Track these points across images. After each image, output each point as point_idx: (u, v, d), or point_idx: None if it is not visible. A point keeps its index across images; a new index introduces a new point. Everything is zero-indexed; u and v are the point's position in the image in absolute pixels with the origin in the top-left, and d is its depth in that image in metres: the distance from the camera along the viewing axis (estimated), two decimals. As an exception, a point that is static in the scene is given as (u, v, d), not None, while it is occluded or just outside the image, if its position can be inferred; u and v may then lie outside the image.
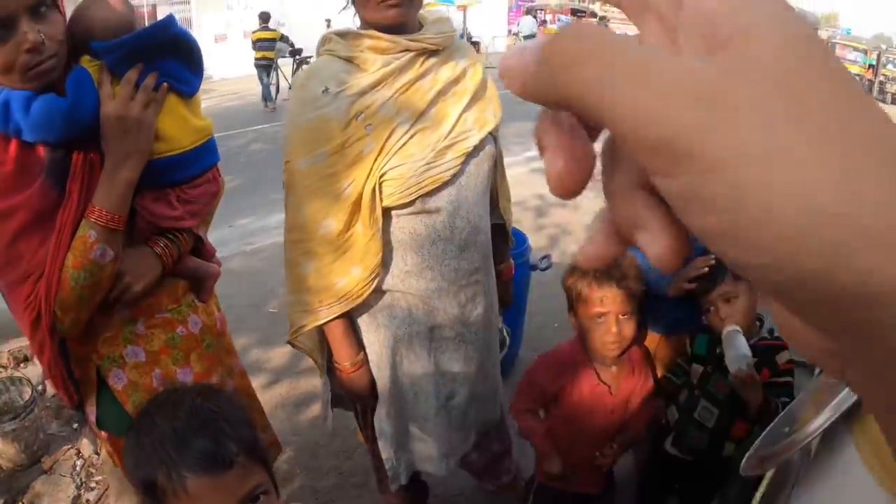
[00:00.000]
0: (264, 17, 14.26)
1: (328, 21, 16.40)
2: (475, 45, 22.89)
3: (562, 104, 0.27)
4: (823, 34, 17.10)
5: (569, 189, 0.30)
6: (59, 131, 1.52)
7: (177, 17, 1.75)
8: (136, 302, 1.74)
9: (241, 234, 6.17)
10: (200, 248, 1.96)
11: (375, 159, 1.76)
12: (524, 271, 3.54)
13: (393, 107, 1.77)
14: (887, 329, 0.22)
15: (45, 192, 1.54)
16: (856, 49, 21.54)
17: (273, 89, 14.40)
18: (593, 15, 30.12)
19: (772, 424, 1.17)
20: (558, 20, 27.90)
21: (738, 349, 2.00)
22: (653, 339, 2.59)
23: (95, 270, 1.57)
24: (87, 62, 1.58)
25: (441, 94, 1.83)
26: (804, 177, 0.22)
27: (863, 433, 0.88)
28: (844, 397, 0.91)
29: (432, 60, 1.83)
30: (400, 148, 1.77)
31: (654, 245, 0.28)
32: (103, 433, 1.85)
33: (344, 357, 1.96)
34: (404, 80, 1.78)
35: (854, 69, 20.29)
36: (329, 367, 2.09)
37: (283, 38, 14.51)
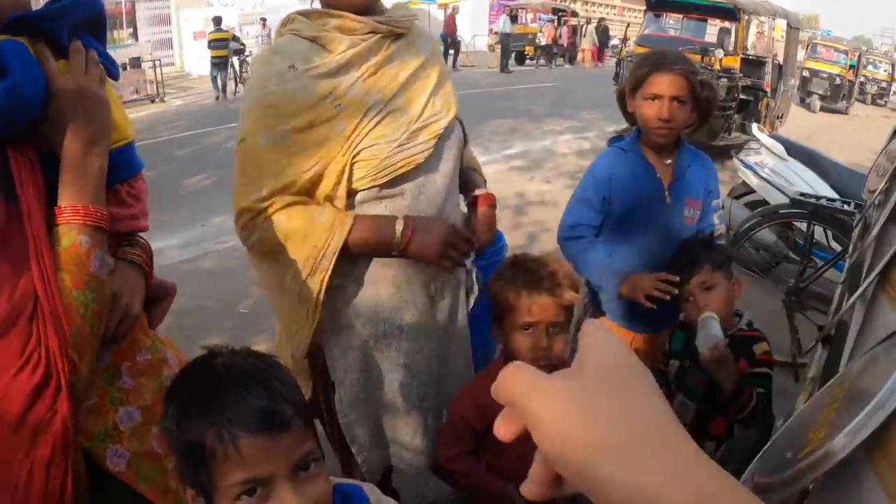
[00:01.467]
0: (217, 21, 16.58)
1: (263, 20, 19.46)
2: (457, 43, 22.85)
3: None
4: (804, 35, 17.16)
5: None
6: (7, 119, 1.18)
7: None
8: (126, 337, 1.39)
9: (214, 232, 6.01)
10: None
11: (348, 139, 1.74)
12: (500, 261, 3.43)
13: (362, 88, 1.76)
14: None
15: None
16: (837, 50, 21.59)
17: (231, 83, 16.40)
18: (574, 14, 30.13)
19: (769, 444, 1.04)
20: (539, 19, 27.82)
21: (709, 331, 2.00)
22: (635, 339, 2.56)
23: (98, 287, 1.25)
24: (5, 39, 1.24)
25: (411, 77, 1.83)
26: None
27: (886, 462, 0.75)
28: (866, 417, 0.78)
29: (398, 44, 1.84)
30: (372, 128, 1.76)
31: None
32: None
33: (387, 232, 1.78)
34: (371, 63, 1.78)
35: (835, 70, 20.35)
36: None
37: (235, 38, 16.50)
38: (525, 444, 1.69)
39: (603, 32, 28.11)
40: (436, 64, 1.93)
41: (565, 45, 28.54)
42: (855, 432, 0.78)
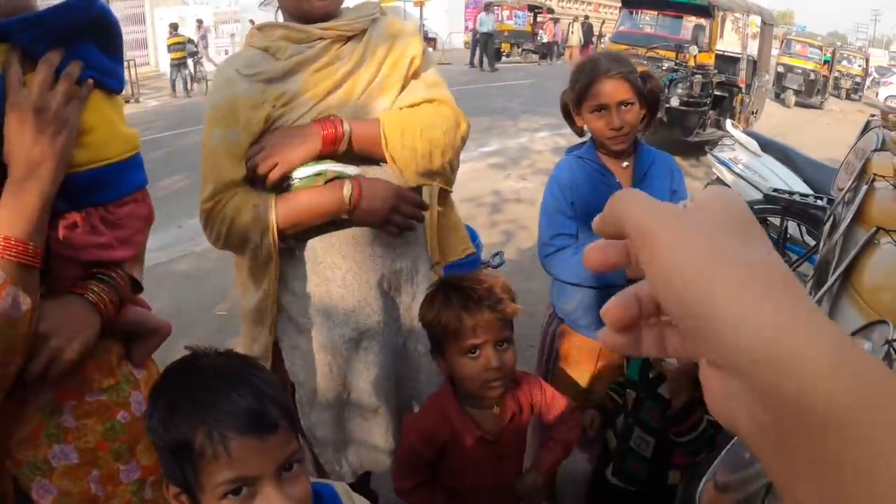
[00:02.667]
0: (174, 27, 17.50)
1: (252, 21, 18.10)
2: (431, 41, 22.80)
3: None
4: (779, 31, 17.31)
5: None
6: None
7: (129, 12, 1.51)
8: (65, 378, 1.30)
9: (190, 234, 5.97)
10: (133, 297, 1.50)
11: None
12: (474, 268, 3.42)
13: (302, 91, 1.82)
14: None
15: None
16: (812, 46, 21.80)
17: (189, 81, 17.36)
18: (550, 11, 30.20)
19: (730, 445, 1.06)
20: (515, 16, 27.89)
21: None
22: (603, 350, 2.44)
23: (6, 329, 1.13)
24: None
25: (350, 73, 1.87)
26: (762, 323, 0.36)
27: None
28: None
29: (349, 45, 1.88)
30: None
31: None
32: None
33: (336, 194, 1.81)
34: (316, 66, 1.83)
35: (810, 65, 20.55)
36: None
37: (190, 41, 17.46)
38: (482, 469, 1.65)
39: (588, 30, 28.19)
40: (389, 54, 1.91)
41: (548, 41, 28.65)
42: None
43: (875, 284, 1.35)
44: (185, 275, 5.27)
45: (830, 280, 1.43)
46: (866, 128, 3.09)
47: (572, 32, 28.20)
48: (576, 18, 29.76)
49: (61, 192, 1.23)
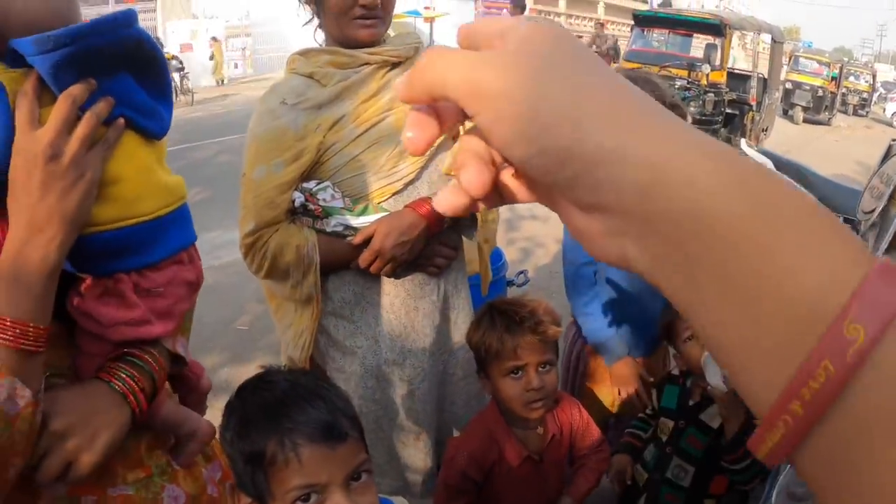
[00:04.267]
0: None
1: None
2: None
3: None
4: (787, 47, 17.29)
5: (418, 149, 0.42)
6: None
7: (141, 25, 1.12)
8: (79, 479, 1.05)
9: (208, 247, 5.99)
10: (179, 373, 1.29)
11: (333, 169, 1.82)
12: (500, 288, 3.47)
13: (349, 119, 1.81)
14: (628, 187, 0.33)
15: None
16: (819, 62, 21.83)
17: (175, 93, 17.57)
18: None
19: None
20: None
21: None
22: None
23: (1, 427, 0.91)
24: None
25: (396, 101, 1.84)
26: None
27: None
28: None
29: (395, 72, 1.88)
30: (351, 160, 1.81)
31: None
32: None
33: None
34: (363, 93, 1.83)
35: (818, 82, 20.57)
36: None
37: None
38: (526, 489, 1.67)
39: (615, 51, 28.09)
40: None
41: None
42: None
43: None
44: (204, 289, 5.24)
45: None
46: (889, 151, 3.11)
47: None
48: (598, 35, 29.73)
49: (81, 254, 1.04)
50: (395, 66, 1.87)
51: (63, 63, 0.96)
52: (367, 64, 1.83)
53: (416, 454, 2.07)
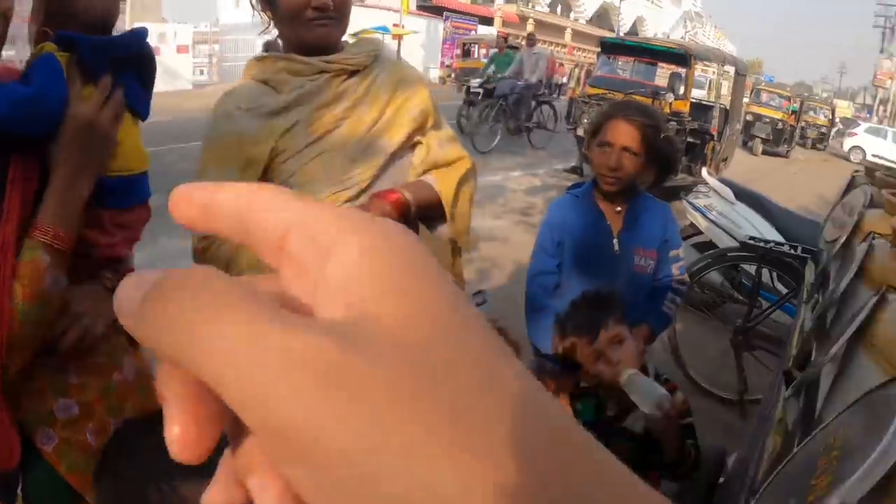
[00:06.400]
0: None
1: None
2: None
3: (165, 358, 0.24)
4: (748, 80, 17.63)
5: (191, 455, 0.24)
6: (17, 124, 1.28)
7: None
8: (86, 349, 1.50)
9: (163, 255, 5.91)
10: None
11: (284, 177, 1.81)
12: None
13: (303, 126, 1.80)
14: None
15: None
16: (780, 96, 22.31)
17: None
18: (530, 38, 30.53)
19: (766, 486, 1.07)
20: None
21: (648, 389, 1.79)
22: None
23: (46, 303, 1.32)
24: (53, 50, 1.37)
25: (351, 110, 1.84)
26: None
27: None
28: (873, 464, 0.82)
29: (351, 80, 1.85)
30: (301, 166, 1.79)
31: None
32: None
33: None
34: (318, 101, 1.81)
35: (778, 115, 21.02)
36: None
37: None
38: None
39: (587, 75, 28.44)
40: (393, 98, 1.88)
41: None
42: (862, 479, 0.81)
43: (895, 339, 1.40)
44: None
45: (848, 333, 1.47)
46: (852, 183, 3.17)
47: (574, 78, 28.35)
48: (578, 65, 30.15)
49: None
50: (352, 74, 1.85)
51: (101, 60, 1.43)
52: (323, 72, 1.82)
53: None
